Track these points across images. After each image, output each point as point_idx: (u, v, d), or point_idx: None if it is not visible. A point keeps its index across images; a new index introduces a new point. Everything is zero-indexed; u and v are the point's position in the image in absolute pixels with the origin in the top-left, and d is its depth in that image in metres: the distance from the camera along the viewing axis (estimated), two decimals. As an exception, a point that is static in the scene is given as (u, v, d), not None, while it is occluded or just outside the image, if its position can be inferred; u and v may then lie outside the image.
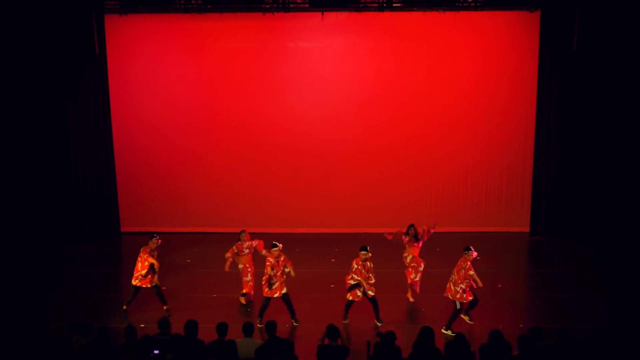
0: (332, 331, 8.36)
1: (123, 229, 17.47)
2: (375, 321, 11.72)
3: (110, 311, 12.23)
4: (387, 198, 17.61)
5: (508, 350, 7.99)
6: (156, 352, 7.85)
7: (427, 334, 8.14)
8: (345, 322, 11.66)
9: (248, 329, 8.65)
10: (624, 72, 15.93)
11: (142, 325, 11.07)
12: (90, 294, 13.30)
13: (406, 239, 12.81)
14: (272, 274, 11.46)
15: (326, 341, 8.39)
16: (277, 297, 11.51)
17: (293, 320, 11.68)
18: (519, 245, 16.88)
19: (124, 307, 12.11)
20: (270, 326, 8.51)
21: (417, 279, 12.78)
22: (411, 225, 12.89)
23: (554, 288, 13.58)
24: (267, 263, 11.55)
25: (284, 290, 11.56)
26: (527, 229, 17.33)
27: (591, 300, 12.68)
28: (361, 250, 11.66)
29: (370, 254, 11.62)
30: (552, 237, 16.93)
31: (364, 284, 11.51)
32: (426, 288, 12.91)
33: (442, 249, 15.68)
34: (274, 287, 11.48)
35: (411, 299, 12.83)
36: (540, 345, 8.03)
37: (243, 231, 12.79)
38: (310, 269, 14.10)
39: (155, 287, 12.04)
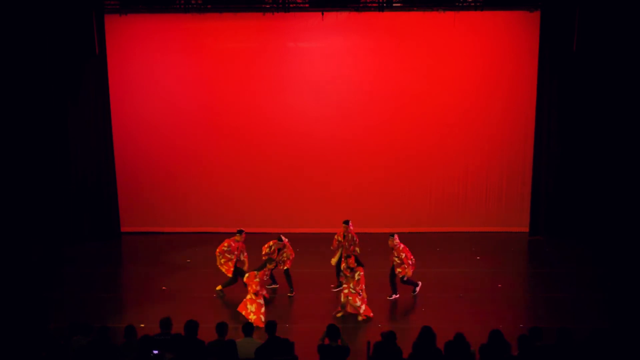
0: (332, 331, 8.36)
1: (123, 229, 17.43)
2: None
3: (110, 311, 12.22)
4: (387, 198, 17.59)
5: (508, 350, 7.99)
6: (155, 352, 7.85)
7: (427, 334, 8.14)
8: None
9: (248, 329, 8.65)
10: (624, 72, 15.90)
11: (142, 325, 11.06)
12: (90, 294, 13.28)
13: None
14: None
15: (326, 341, 8.39)
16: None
17: None
18: (519, 245, 16.84)
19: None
20: (270, 326, 8.51)
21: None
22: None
23: (554, 288, 13.56)
24: None
25: None
26: (527, 229, 17.29)
27: (591, 300, 12.66)
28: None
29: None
30: (551, 237, 16.90)
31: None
32: (427, 288, 12.91)
33: (442, 249, 15.72)
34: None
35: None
36: (540, 345, 8.03)
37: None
38: (310, 269, 14.09)
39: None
